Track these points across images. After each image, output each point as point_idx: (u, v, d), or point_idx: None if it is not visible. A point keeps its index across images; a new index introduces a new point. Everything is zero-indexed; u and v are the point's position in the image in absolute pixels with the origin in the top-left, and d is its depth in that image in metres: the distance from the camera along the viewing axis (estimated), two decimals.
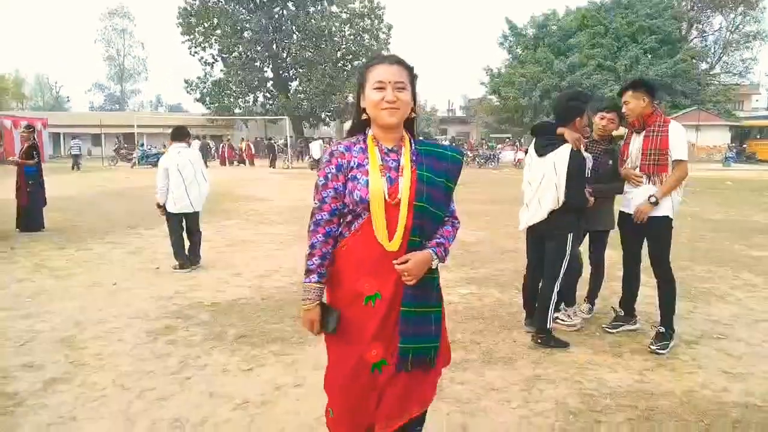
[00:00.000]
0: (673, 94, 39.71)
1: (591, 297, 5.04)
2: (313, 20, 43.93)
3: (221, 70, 46.91)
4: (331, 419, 2.20)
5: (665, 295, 4.28)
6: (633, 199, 4.34)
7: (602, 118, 4.74)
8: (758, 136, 39.11)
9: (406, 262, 2.02)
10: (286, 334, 4.54)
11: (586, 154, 4.29)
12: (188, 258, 6.87)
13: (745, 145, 39.79)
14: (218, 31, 45.09)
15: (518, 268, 5.87)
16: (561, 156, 4.10)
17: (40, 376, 3.74)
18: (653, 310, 4.57)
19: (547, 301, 4.23)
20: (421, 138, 2.25)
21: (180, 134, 7.01)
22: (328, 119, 50.06)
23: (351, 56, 46.47)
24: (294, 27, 45.52)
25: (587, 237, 4.90)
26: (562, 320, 4.66)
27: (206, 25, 44.98)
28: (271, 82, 48.38)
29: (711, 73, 46.58)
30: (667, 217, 4.19)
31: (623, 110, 4.41)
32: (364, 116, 2.13)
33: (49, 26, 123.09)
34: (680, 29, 44.54)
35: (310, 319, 2.12)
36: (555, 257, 4.22)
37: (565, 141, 4.12)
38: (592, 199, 4.31)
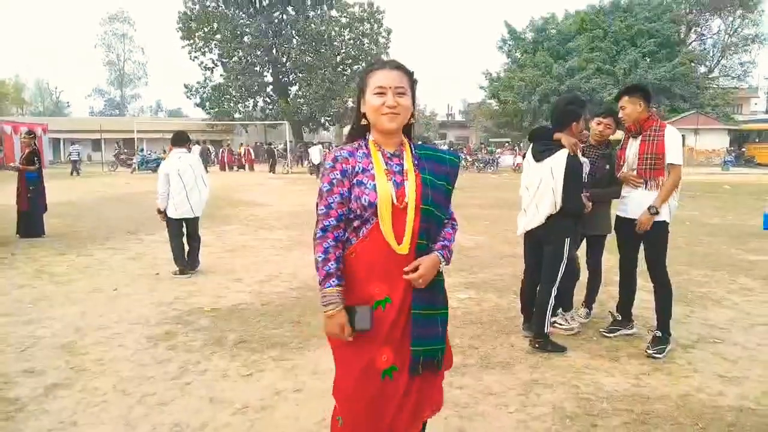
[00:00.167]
0: (672, 98, 39.75)
1: (588, 301, 5.06)
2: (312, 25, 44.03)
3: (221, 75, 47.02)
4: (340, 429, 2.16)
5: (662, 300, 4.31)
6: (630, 203, 4.38)
7: (599, 124, 4.80)
8: (757, 140, 39.10)
9: (416, 269, 2.04)
10: (286, 340, 4.57)
11: (583, 159, 4.32)
12: (188, 263, 6.91)
13: (743, 149, 39.82)
14: (218, 36, 45.19)
15: (517, 272, 5.89)
16: (558, 161, 4.14)
17: (41, 381, 3.77)
18: (650, 315, 4.60)
19: (544, 305, 4.25)
20: (420, 142, 2.28)
21: (181, 139, 7.05)
22: (327, 124, 50.11)
23: (351, 61, 46.57)
24: (294, 31, 45.61)
25: (585, 241, 4.94)
26: (560, 324, 4.70)
27: (206, 29, 45.06)
28: (271, 86, 48.50)
29: (710, 76, 46.61)
30: (664, 221, 4.23)
31: (620, 115, 4.46)
32: (363, 121, 2.15)
33: (49, 31, 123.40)
34: (679, 33, 44.64)
35: (339, 324, 2.04)
36: (552, 262, 4.25)
37: (562, 146, 4.16)
38: (589, 204, 4.35)
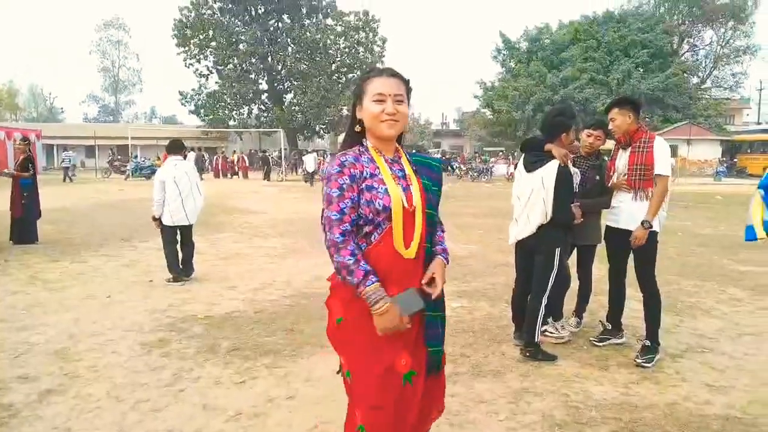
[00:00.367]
0: (665, 108, 40.10)
1: (579, 311, 5.11)
2: (308, 33, 44.26)
3: (216, 82, 47.12)
4: None
5: (651, 309, 4.37)
6: (620, 214, 4.44)
7: (589, 136, 4.87)
8: (749, 151, 39.43)
9: (432, 280, 2.12)
10: (279, 347, 4.60)
11: (573, 169, 4.39)
12: (181, 271, 6.92)
13: (735, 160, 40.11)
14: (213, 43, 45.33)
15: (509, 282, 5.93)
16: (549, 171, 4.19)
17: (35, 387, 3.78)
18: (640, 324, 4.65)
19: (535, 315, 4.30)
20: (414, 150, 2.34)
21: (176, 147, 7.08)
22: (322, 132, 50.26)
23: (346, 69, 46.77)
24: (289, 39, 45.82)
25: (575, 251, 4.99)
26: (551, 333, 4.74)
27: (201, 37, 45.18)
28: (266, 94, 48.62)
29: (702, 87, 47.03)
30: (654, 231, 4.29)
31: (610, 127, 4.53)
32: (357, 128, 2.18)
33: (43, 37, 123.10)
34: (672, 43, 45.05)
35: (394, 316, 2.00)
36: (543, 271, 4.30)
37: (553, 157, 4.22)
38: (580, 214, 4.40)
